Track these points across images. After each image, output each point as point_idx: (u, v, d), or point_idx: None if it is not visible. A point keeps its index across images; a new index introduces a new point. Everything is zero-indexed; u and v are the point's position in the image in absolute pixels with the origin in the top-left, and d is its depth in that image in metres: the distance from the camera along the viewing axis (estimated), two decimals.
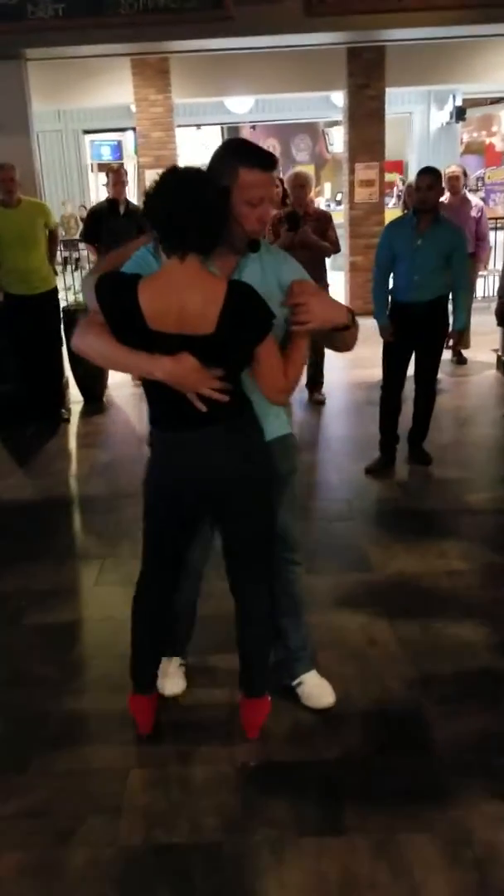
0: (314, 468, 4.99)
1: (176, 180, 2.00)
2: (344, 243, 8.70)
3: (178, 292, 2.01)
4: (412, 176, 10.98)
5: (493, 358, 7.17)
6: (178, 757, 2.44)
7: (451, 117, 14.37)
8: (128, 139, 15.30)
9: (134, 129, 10.71)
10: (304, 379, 6.27)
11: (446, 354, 5.10)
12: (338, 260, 8.58)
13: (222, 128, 14.77)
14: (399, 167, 15.16)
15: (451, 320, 4.72)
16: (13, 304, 5.77)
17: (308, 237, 5.54)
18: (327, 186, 16.57)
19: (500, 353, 7.05)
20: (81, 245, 9.30)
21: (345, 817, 2.18)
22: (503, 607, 3.24)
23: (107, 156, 15.67)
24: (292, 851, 2.08)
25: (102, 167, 12.78)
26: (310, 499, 4.40)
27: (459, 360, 7.28)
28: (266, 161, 2.10)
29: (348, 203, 9.87)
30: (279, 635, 2.63)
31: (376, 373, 4.94)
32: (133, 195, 9.01)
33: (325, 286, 5.80)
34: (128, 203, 6.44)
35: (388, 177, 10.80)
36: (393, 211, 10.67)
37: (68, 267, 10.59)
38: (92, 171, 15.94)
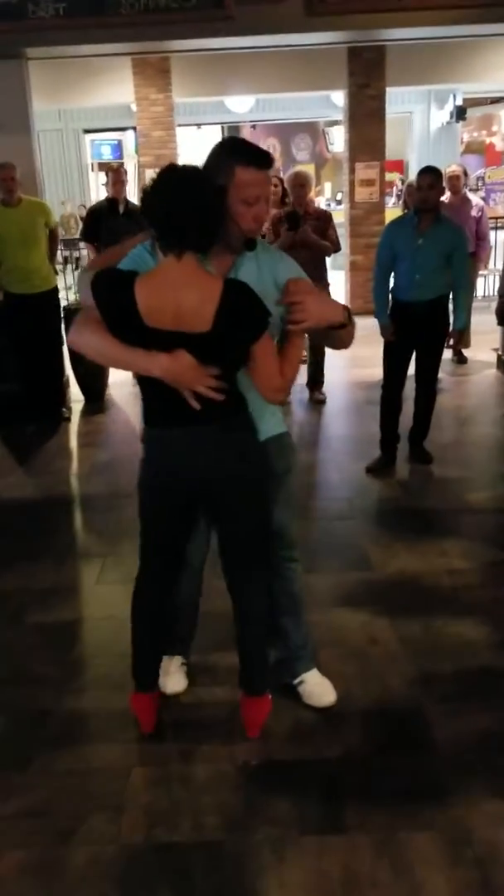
0: (315, 467, 4.99)
1: (175, 179, 2.01)
2: (344, 242, 8.71)
3: (174, 290, 2.01)
4: (412, 175, 11.00)
5: (493, 357, 7.18)
6: (179, 755, 2.44)
7: (452, 117, 14.35)
8: (128, 138, 15.27)
9: (134, 128, 10.72)
10: (304, 378, 6.28)
11: (447, 354, 5.10)
12: (338, 259, 8.58)
13: (223, 127, 14.75)
14: (399, 167, 15.15)
15: (451, 320, 4.73)
16: (14, 303, 5.78)
17: (308, 236, 5.54)
18: (328, 186, 16.56)
19: (500, 353, 7.05)
20: (82, 244, 9.29)
21: (346, 816, 2.18)
22: None
23: (107, 155, 15.64)
24: (293, 850, 2.08)
25: (102, 166, 12.76)
26: (310, 498, 4.40)
27: (460, 359, 7.28)
28: (262, 159, 2.10)
29: (349, 202, 9.87)
30: (279, 634, 2.64)
31: (377, 372, 4.94)
32: (133, 194, 9.00)
33: (326, 285, 5.81)
34: (127, 202, 6.44)
35: (388, 176, 10.79)
36: (393, 210, 10.66)
37: (69, 266, 10.58)
38: (92, 170, 15.92)
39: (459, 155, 14.72)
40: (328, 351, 6.02)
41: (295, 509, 2.58)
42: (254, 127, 15.94)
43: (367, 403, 5.86)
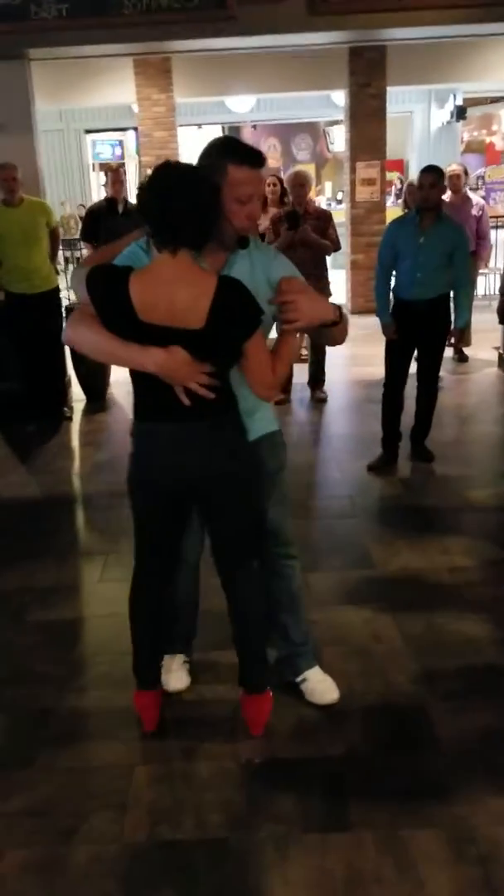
0: (316, 466, 4.99)
1: (171, 176, 2.01)
2: (345, 242, 8.71)
3: (168, 286, 2.02)
4: (413, 175, 11.00)
5: (494, 355, 7.19)
6: (182, 753, 2.43)
7: (452, 116, 14.35)
8: (129, 139, 15.29)
9: (135, 128, 10.72)
10: (305, 377, 6.28)
11: (448, 352, 5.11)
12: (339, 258, 8.58)
13: (223, 127, 14.76)
14: (400, 166, 15.15)
15: (452, 318, 4.73)
16: (15, 303, 5.78)
17: (308, 236, 5.55)
18: (328, 185, 16.57)
19: (501, 351, 7.05)
20: (82, 244, 9.30)
21: (349, 813, 2.18)
22: None
23: (108, 155, 15.65)
24: (297, 847, 2.07)
25: (103, 167, 12.77)
26: (312, 496, 4.40)
27: (461, 357, 7.28)
28: (255, 158, 2.11)
29: (349, 202, 9.87)
30: (279, 632, 2.63)
31: (378, 370, 4.94)
32: (133, 195, 9.01)
33: (326, 284, 5.81)
34: (126, 202, 6.43)
35: (388, 175, 10.78)
36: (393, 210, 10.66)
37: (69, 266, 10.60)
38: (93, 170, 15.93)
39: (460, 154, 14.73)
40: (329, 349, 6.02)
41: (289, 507, 2.58)
42: (254, 127, 15.95)
43: (369, 402, 5.86)
